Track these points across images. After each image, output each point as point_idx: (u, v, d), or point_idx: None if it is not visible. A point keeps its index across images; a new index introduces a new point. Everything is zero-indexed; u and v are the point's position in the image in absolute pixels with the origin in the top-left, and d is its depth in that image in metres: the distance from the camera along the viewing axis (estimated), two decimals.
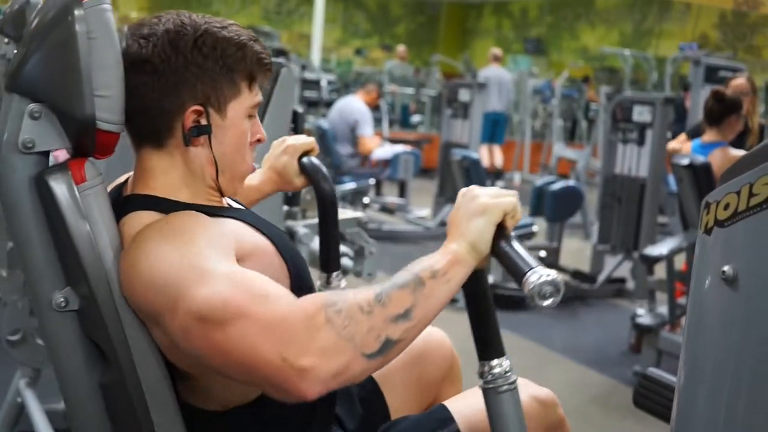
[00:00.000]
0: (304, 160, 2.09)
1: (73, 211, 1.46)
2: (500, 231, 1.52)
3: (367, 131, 8.61)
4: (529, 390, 1.91)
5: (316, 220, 2.15)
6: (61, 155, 1.50)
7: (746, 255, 1.07)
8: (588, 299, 6.58)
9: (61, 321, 1.49)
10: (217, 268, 1.39)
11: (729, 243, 1.09)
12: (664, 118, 6.25)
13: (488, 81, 12.21)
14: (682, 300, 4.87)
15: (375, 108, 10.65)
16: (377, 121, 11.36)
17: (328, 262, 2.13)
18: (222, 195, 1.68)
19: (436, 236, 8.33)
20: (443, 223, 8.38)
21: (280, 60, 3.20)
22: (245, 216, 1.66)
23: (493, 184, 12.05)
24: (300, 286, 1.63)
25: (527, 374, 5.08)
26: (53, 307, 1.48)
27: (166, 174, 1.61)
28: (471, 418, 1.81)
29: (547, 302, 1.40)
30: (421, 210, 9.32)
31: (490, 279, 6.31)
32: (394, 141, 9.91)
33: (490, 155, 12.63)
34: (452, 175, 6.80)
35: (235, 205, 1.78)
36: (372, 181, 8.73)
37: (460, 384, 2.20)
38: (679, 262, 4.85)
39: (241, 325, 1.33)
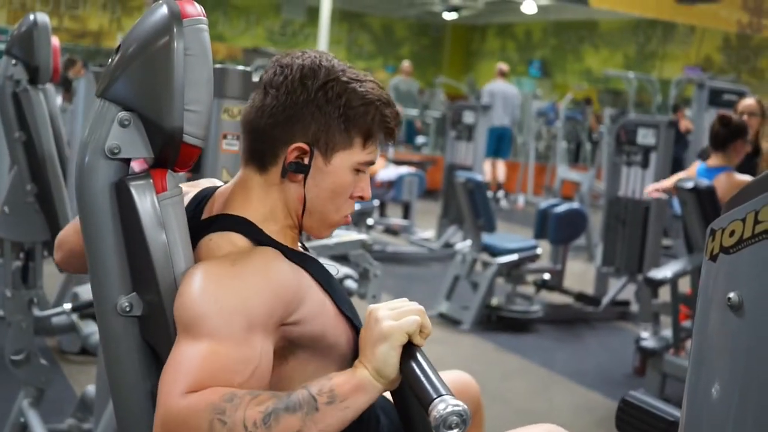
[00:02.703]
0: None
1: (152, 219, 1.49)
2: (408, 351, 1.48)
3: None
4: None
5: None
6: (137, 166, 1.54)
7: (751, 282, 1.07)
8: (592, 322, 6.58)
9: (122, 325, 1.51)
10: (215, 336, 1.41)
11: (734, 270, 1.09)
12: (668, 141, 6.25)
13: (493, 95, 12.25)
14: (686, 323, 4.86)
15: None
16: None
17: None
18: (300, 232, 1.70)
19: (439, 258, 8.34)
20: (447, 245, 8.39)
21: None
22: (315, 271, 1.64)
23: (495, 198, 12.08)
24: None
25: (531, 397, 5.09)
26: (117, 311, 1.50)
27: (262, 201, 1.63)
28: None
29: (452, 431, 1.37)
30: (426, 231, 9.33)
31: (494, 301, 6.31)
32: (398, 162, 9.92)
33: (493, 170, 12.65)
34: (456, 196, 6.80)
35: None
36: (376, 202, 8.74)
37: (483, 428, 2.21)
38: (684, 285, 4.84)
39: (163, 396, 1.37)
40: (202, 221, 1.65)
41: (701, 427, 1.14)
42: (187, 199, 1.71)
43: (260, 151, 1.62)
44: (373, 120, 1.62)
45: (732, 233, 1.09)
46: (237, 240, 1.58)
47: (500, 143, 12.63)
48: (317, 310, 1.57)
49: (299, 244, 1.73)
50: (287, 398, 1.39)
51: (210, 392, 1.36)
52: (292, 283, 1.54)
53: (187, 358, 1.40)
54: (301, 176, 1.61)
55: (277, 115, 1.59)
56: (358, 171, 1.64)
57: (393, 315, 1.50)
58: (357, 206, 7.88)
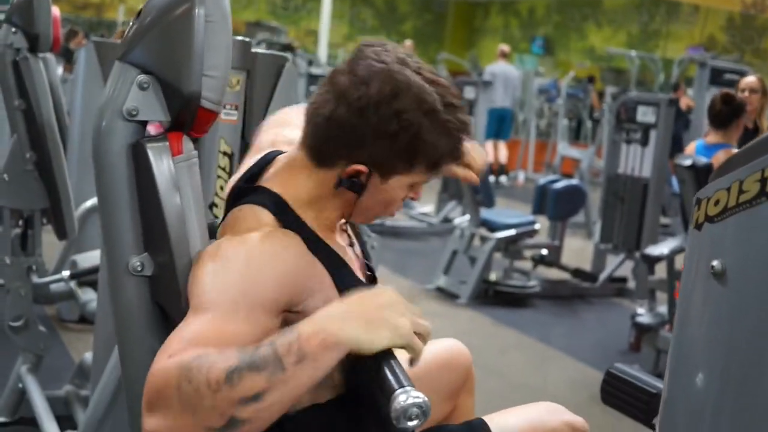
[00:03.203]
0: None
1: (167, 181, 1.51)
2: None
3: None
4: (563, 417, 1.94)
5: None
6: (152, 130, 1.56)
7: (735, 250, 1.09)
8: (589, 298, 6.60)
9: (133, 284, 1.54)
10: (215, 311, 1.42)
11: (718, 238, 1.11)
12: (668, 119, 6.25)
13: (495, 77, 12.22)
14: None
15: None
16: None
17: None
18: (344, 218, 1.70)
19: (438, 232, 8.36)
20: (446, 220, 8.41)
21: (285, 54, 3.21)
22: (332, 264, 1.62)
23: (496, 181, 12.08)
24: None
25: (527, 371, 5.11)
26: (128, 270, 1.53)
27: (306, 189, 1.62)
28: None
29: (411, 423, 1.37)
30: (425, 206, 9.34)
31: (492, 276, 6.34)
32: None
33: (495, 151, 12.64)
34: None
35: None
36: None
37: (474, 395, 2.23)
38: (681, 262, 4.85)
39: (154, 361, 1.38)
40: (245, 188, 1.65)
41: (684, 392, 1.16)
42: (252, 161, 1.73)
43: (320, 150, 1.60)
44: (443, 153, 1.58)
45: (717, 202, 1.10)
46: (263, 216, 1.57)
47: (501, 125, 12.62)
48: (322, 305, 1.50)
49: (340, 224, 1.73)
50: (252, 354, 1.33)
51: (184, 352, 1.35)
52: (302, 274, 1.53)
53: (184, 328, 1.41)
54: (355, 196, 1.61)
55: (346, 132, 1.56)
56: (413, 186, 1.64)
57: (410, 323, 1.43)
58: None
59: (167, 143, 1.54)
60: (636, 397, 1.81)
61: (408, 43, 16.00)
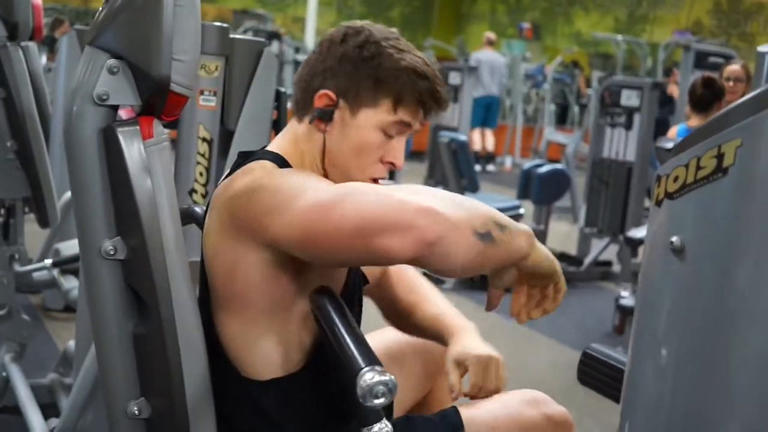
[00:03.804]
0: (198, 209, 2.10)
1: (138, 165, 1.52)
2: (339, 317, 1.52)
3: None
4: (544, 409, 1.96)
5: None
6: (124, 114, 1.57)
7: (693, 226, 1.10)
8: (574, 282, 6.61)
9: (106, 268, 1.55)
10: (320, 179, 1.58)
11: (677, 214, 1.12)
12: (652, 102, 6.27)
13: (480, 64, 12.20)
14: None
15: None
16: None
17: None
18: None
19: None
20: None
21: (262, 40, 3.22)
22: None
23: (483, 168, 12.09)
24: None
25: (512, 355, 5.12)
26: (101, 254, 1.53)
27: (294, 145, 1.73)
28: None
29: (378, 401, 1.40)
30: None
31: None
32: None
33: (482, 139, 12.64)
34: (441, 157, 6.82)
35: None
36: None
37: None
38: None
39: (356, 196, 1.47)
40: (245, 152, 1.74)
41: (645, 369, 1.17)
42: None
43: (299, 100, 1.73)
44: (404, 87, 1.65)
45: (676, 179, 1.11)
46: (266, 165, 1.66)
47: (488, 112, 12.61)
48: None
49: None
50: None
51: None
52: None
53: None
54: (328, 126, 1.68)
55: (315, 66, 1.70)
56: (387, 134, 1.68)
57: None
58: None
59: (138, 127, 1.55)
60: (611, 377, 1.83)
61: (394, 29, 15.96)
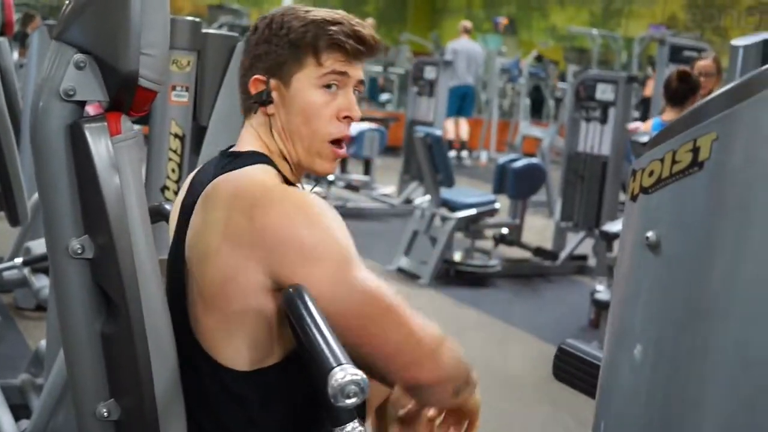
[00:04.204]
0: (168, 206, 2.06)
1: (105, 161, 1.49)
2: (308, 316, 1.50)
3: None
4: None
5: None
6: (92, 110, 1.55)
7: (668, 221, 1.08)
8: (550, 276, 6.63)
9: (73, 267, 1.52)
10: (362, 266, 1.59)
11: (652, 209, 1.10)
12: (626, 96, 6.28)
13: (457, 54, 12.20)
14: None
15: None
16: None
17: None
18: (300, 171, 1.77)
19: (400, 213, 8.35)
20: (408, 201, 8.40)
21: (235, 34, 3.19)
22: None
23: (458, 157, 12.10)
24: None
25: (488, 350, 5.12)
26: (69, 253, 1.51)
27: (260, 140, 1.74)
28: None
29: (350, 401, 1.38)
30: (386, 187, 9.33)
31: (456, 256, 6.35)
32: (360, 119, 9.85)
33: (456, 128, 12.64)
34: (416, 152, 6.81)
35: None
36: None
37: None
38: None
39: (398, 321, 1.59)
40: (229, 153, 1.75)
41: (621, 365, 1.16)
42: None
43: (243, 100, 1.76)
44: (315, 36, 1.68)
45: (651, 173, 1.10)
46: (267, 175, 1.66)
47: (463, 102, 12.62)
48: None
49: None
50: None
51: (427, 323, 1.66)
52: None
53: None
54: (271, 107, 1.71)
55: (243, 64, 1.75)
56: (327, 87, 1.69)
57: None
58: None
59: (105, 123, 1.52)
60: (587, 372, 1.82)
61: (369, 20, 15.96)
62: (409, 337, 1.60)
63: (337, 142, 1.72)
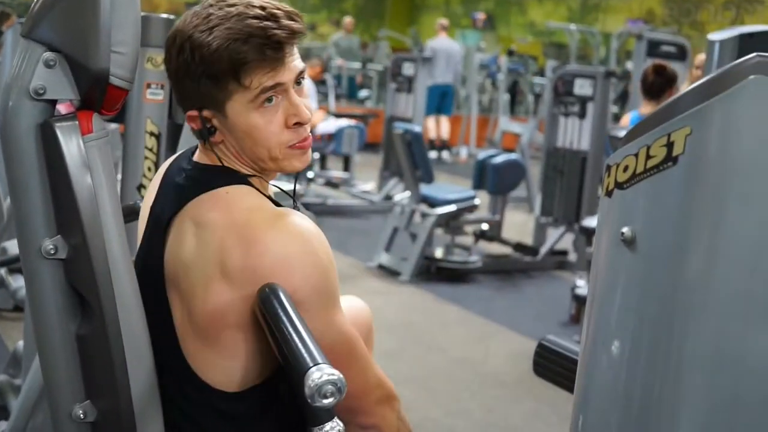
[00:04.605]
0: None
1: (77, 160, 1.48)
2: (284, 315, 1.50)
3: (311, 105, 8.58)
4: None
5: None
6: (63, 109, 1.54)
7: (643, 216, 1.08)
8: (530, 272, 6.64)
9: (46, 268, 1.51)
10: (341, 310, 1.65)
11: (627, 204, 1.10)
12: (605, 91, 6.29)
13: (436, 52, 12.20)
14: None
15: (320, 82, 10.61)
16: (323, 96, 11.31)
17: None
18: (272, 174, 1.74)
19: (380, 210, 8.35)
20: (388, 197, 8.40)
21: None
22: None
23: (439, 156, 12.10)
24: None
25: (469, 346, 5.13)
26: (41, 254, 1.49)
27: (224, 159, 1.69)
28: None
29: (327, 401, 1.38)
30: (366, 184, 9.32)
31: (437, 252, 6.35)
32: (339, 115, 9.86)
33: (437, 127, 12.65)
34: (395, 149, 6.80)
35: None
36: (316, 155, 8.71)
37: (373, 353, 2.23)
38: None
39: (362, 367, 1.68)
40: (208, 167, 1.69)
41: (597, 361, 1.15)
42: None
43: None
44: (230, 61, 1.56)
45: (626, 168, 1.09)
46: (251, 194, 1.65)
47: (443, 100, 12.62)
48: None
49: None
50: None
51: (385, 378, 1.77)
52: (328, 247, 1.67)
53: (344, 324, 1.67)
54: (218, 136, 1.64)
55: (177, 96, 1.69)
56: (264, 102, 1.60)
57: None
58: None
59: (77, 122, 1.51)
60: (567, 368, 1.82)
61: (348, 19, 15.94)
62: (365, 383, 1.68)
63: (295, 145, 1.66)
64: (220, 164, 1.67)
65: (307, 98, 1.69)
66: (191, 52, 1.57)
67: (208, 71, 1.57)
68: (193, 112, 1.63)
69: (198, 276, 1.59)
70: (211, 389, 1.63)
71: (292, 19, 1.61)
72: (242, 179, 1.66)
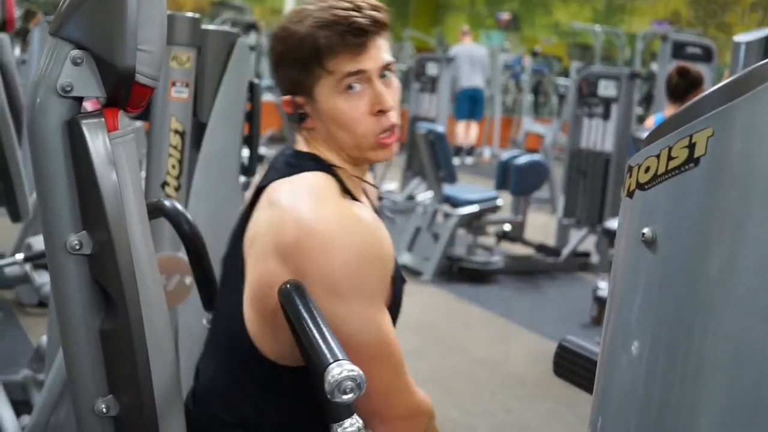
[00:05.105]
0: (166, 202, 2.07)
1: (102, 157, 1.49)
2: (306, 312, 1.52)
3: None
4: None
5: None
6: (89, 106, 1.54)
7: (664, 217, 1.08)
8: (552, 273, 6.62)
9: (71, 263, 1.51)
10: (384, 310, 1.66)
11: (649, 205, 1.10)
12: (629, 92, 6.27)
13: (458, 56, 12.19)
14: None
15: None
16: None
17: (210, 299, 2.07)
18: (361, 164, 1.79)
19: (403, 210, 8.35)
20: (411, 197, 8.40)
21: (235, 31, 3.19)
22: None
23: (462, 162, 12.08)
24: (394, 314, 1.75)
25: (490, 346, 5.12)
26: (66, 249, 1.50)
27: (316, 149, 1.77)
28: None
29: (346, 396, 1.39)
30: (389, 184, 9.32)
31: (458, 253, 6.35)
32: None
33: (467, 132, 12.65)
34: (419, 149, 6.81)
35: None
36: None
37: None
38: None
39: (392, 372, 1.67)
40: (295, 154, 1.79)
41: (617, 362, 1.16)
42: None
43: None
44: (313, 47, 1.67)
45: (647, 169, 1.09)
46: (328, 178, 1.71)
47: (474, 105, 12.60)
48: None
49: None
50: None
51: (419, 392, 1.80)
52: (388, 251, 1.73)
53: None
54: (310, 123, 1.75)
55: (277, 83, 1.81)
56: (349, 88, 1.69)
57: None
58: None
59: (103, 119, 1.52)
60: (587, 369, 1.82)
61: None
62: (390, 388, 1.67)
63: (383, 131, 1.72)
64: (312, 152, 1.76)
65: (395, 92, 1.75)
66: (283, 42, 1.72)
67: (296, 57, 1.70)
68: (287, 98, 1.75)
69: (258, 248, 1.67)
70: (262, 357, 1.70)
71: (377, 10, 1.73)
72: (326, 167, 1.73)
